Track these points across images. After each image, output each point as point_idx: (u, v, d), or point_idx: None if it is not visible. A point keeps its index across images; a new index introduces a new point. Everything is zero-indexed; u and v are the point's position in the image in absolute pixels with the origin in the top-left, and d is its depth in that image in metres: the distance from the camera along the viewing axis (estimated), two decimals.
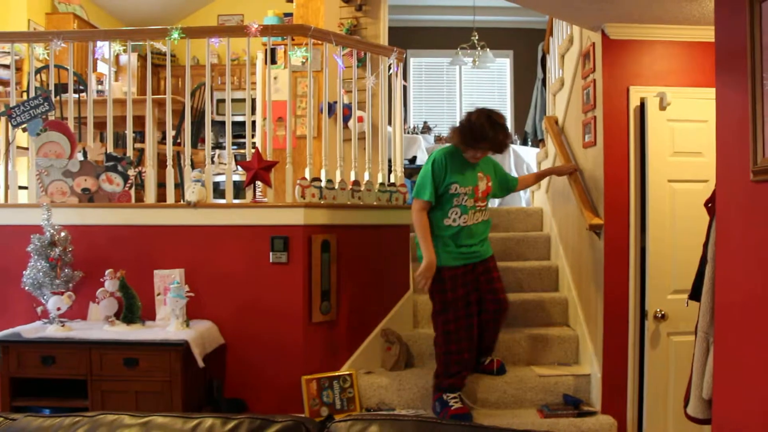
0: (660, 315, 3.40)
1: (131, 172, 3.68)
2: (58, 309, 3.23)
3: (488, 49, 7.89)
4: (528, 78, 8.65)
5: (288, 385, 3.56)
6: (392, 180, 4.20)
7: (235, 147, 3.99)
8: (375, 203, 3.99)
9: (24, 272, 3.36)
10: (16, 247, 3.51)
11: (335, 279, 3.72)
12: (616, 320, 3.52)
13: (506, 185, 3.85)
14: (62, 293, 3.28)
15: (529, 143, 7.45)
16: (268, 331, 3.57)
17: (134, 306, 3.32)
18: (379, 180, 4.08)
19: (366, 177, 4.02)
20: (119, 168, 3.68)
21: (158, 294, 3.49)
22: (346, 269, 3.81)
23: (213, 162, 3.84)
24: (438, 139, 7.43)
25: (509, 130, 3.54)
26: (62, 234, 3.40)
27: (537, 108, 7.51)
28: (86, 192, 3.65)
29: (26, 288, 3.37)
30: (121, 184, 3.66)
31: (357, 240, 3.90)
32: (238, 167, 4.19)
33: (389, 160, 4.38)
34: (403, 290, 4.22)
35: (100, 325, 3.36)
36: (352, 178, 3.92)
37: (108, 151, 3.71)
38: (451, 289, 3.46)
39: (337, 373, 3.66)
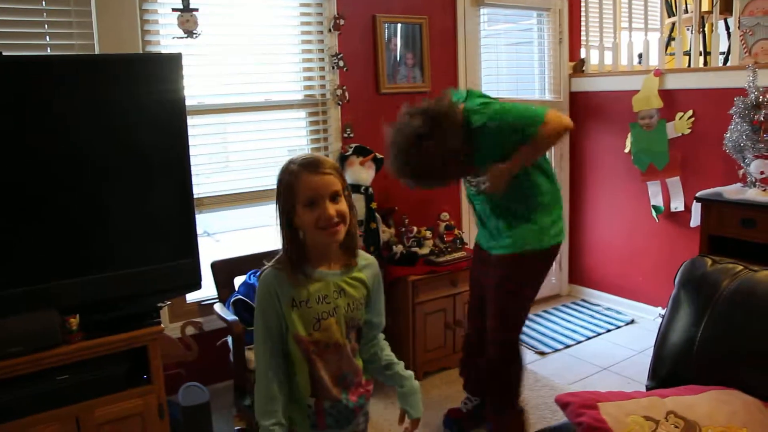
0: None
1: None
2: (762, 173, 3.18)
3: None
4: None
5: None
6: None
7: None
8: None
9: (725, 135, 3.41)
10: (718, 110, 3.57)
11: None
12: None
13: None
14: (765, 157, 3.20)
15: None
16: None
17: None
18: None
19: None
20: None
21: None
22: None
23: None
24: None
25: None
26: (767, 96, 3.27)
27: None
28: None
29: (726, 150, 3.42)
30: None
31: None
32: None
33: None
34: None
35: None
36: None
37: None
38: None
39: None
